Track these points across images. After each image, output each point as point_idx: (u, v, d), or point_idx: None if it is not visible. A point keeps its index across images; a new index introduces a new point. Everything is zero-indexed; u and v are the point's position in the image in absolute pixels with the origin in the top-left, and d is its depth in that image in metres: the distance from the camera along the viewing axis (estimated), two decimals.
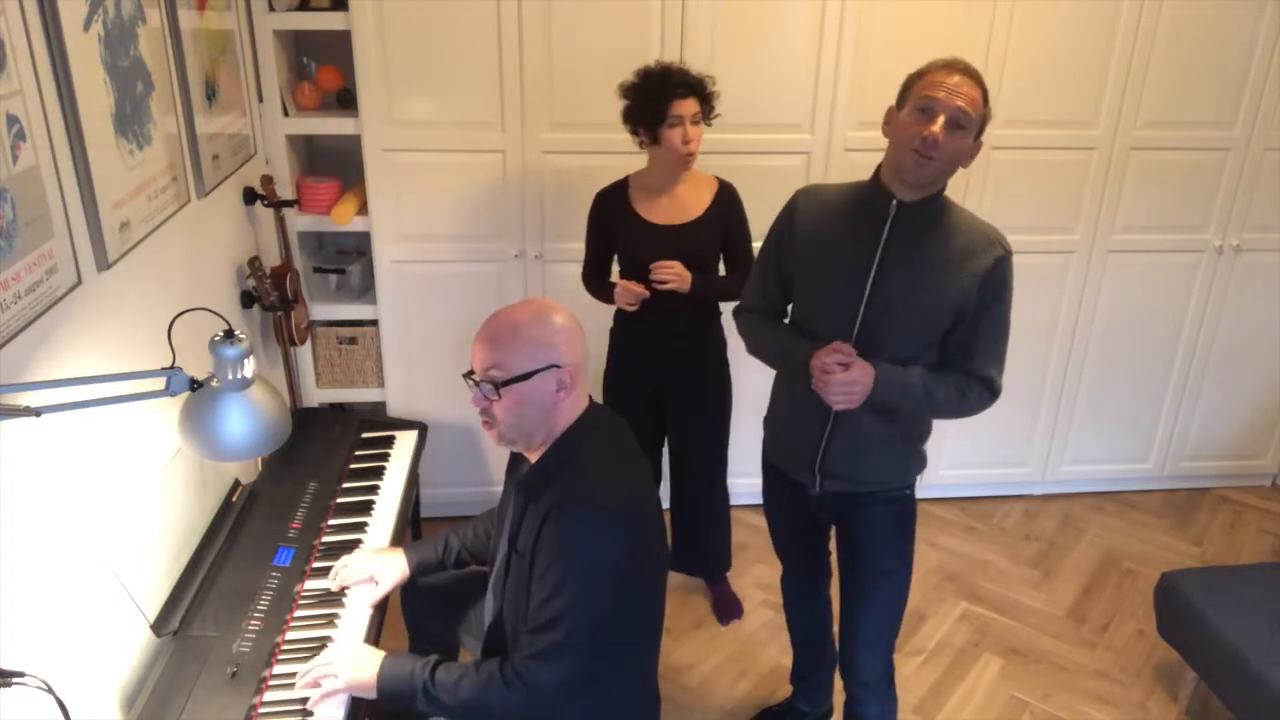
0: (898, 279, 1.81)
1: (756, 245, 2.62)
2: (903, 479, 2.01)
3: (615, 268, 2.68)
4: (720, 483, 2.89)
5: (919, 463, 2.04)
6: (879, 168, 1.85)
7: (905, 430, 1.96)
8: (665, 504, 3.00)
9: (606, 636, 1.62)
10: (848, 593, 2.12)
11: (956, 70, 1.73)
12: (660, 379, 2.71)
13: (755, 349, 2.05)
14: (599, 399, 2.76)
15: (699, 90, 2.42)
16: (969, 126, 1.73)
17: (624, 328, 2.70)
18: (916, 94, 1.75)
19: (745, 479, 3.20)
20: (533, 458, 1.70)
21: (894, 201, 1.80)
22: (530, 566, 1.63)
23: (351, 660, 1.70)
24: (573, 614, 1.56)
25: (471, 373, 1.65)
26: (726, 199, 2.58)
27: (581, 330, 1.67)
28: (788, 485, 2.10)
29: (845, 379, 1.77)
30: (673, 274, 2.47)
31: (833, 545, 2.20)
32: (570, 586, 1.56)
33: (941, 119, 1.70)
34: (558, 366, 1.60)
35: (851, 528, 2.06)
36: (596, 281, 2.67)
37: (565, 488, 1.61)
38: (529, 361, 1.59)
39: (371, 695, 1.69)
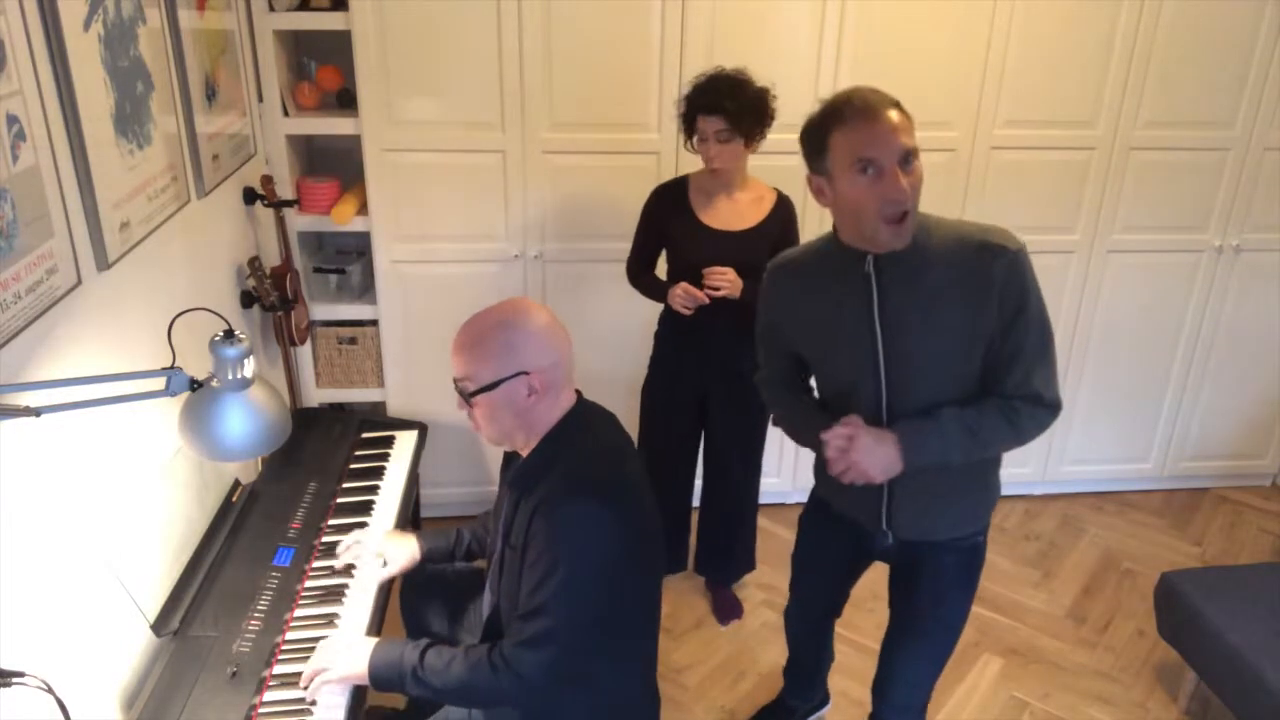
0: (904, 330, 1.66)
1: None
2: (976, 522, 1.87)
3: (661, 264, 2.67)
4: (755, 485, 2.90)
5: (993, 496, 1.90)
6: (835, 229, 1.72)
7: (976, 465, 1.78)
8: (696, 503, 3.00)
9: (597, 629, 1.63)
10: (899, 627, 2.02)
11: (871, 108, 1.54)
12: (705, 381, 2.71)
13: (777, 422, 1.96)
14: (636, 398, 2.78)
15: (725, 109, 2.36)
16: (915, 153, 1.57)
17: (671, 330, 2.70)
18: (843, 154, 1.56)
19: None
20: (524, 454, 1.72)
21: (868, 257, 1.66)
22: (522, 558, 1.65)
23: (342, 652, 1.73)
24: (561, 602, 1.58)
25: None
26: (783, 212, 2.56)
27: (563, 330, 1.67)
28: (845, 529, 1.95)
29: (847, 464, 1.68)
30: (726, 281, 2.45)
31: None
32: (559, 575, 1.57)
33: (894, 169, 1.53)
34: (525, 373, 1.61)
35: (916, 575, 1.92)
36: (644, 278, 2.66)
37: (555, 482, 1.63)
38: (495, 372, 1.61)
39: (365, 683, 1.71)
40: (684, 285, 2.49)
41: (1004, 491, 3.56)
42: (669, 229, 2.58)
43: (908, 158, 1.55)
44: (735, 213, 2.54)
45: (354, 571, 2.02)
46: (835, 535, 2.01)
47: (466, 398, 1.64)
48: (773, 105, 2.44)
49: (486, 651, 1.65)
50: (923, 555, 1.88)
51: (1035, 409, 1.69)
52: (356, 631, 1.87)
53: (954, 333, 1.65)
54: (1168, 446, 3.61)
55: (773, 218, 2.55)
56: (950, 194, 3.09)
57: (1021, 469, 3.57)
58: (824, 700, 2.56)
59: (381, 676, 1.69)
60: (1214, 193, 3.23)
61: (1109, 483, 3.68)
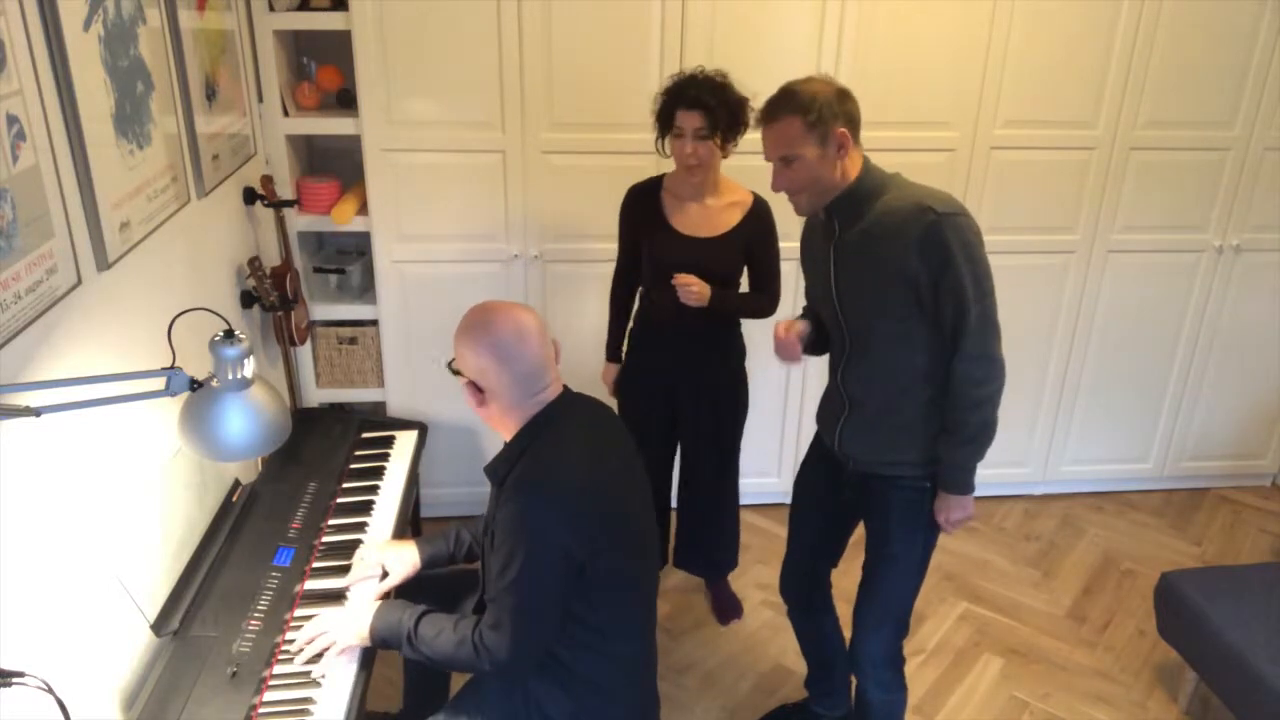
0: (848, 264, 1.95)
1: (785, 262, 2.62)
2: (920, 466, 1.99)
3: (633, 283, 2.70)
4: (731, 485, 2.88)
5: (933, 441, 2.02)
6: None
7: (913, 405, 1.96)
8: (674, 503, 3.00)
9: (558, 614, 1.66)
10: (862, 576, 2.17)
11: (760, 125, 1.91)
12: (675, 381, 2.70)
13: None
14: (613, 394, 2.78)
15: (706, 104, 2.34)
16: (792, 156, 1.86)
17: (642, 329, 2.71)
18: None
19: (750, 479, 3.20)
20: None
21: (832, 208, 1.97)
22: (492, 544, 1.70)
23: (345, 622, 1.79)
24: (516, 587, 1.62)
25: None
26: (756, 217, 2.53)
27: (536, 337, 1.68)
28: (826, 457, 2.17)
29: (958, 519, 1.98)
30: (693, 293, 2.44)
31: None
32: (517, 562, 1.61)
33: (773, 169, 1.91)
34: (474, 383, 1.69)
35: (870, 512, 2.12)
36: (618, 299, 2.72)
37: (521, 471, 1.67)
38: (462, 366, 1.70)
39: (367, 644, 1.79)
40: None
41: (1004, 491, 3.63)
42: (641, 230, 2.57)
43: (786, 159, 1.88)
44: (706, 219, 2.52)
45: (349, 589, 2.00)
46: (819, 459, 2.24)
47: (459, 374, 1.72)
48: (749, 114, 2.39)
49: (471, 630, 1.70)
50: (874, 490, 2.06)
51: (971, 371, 1.86)
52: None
53: (884, 272, 1.88)
54: (1167, 446, 3.61)
55: (745, 224, 2.52)
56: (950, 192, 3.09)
57: (1021, 469, 3.57)
58: (845, 717, 2.50)
59: (382, 639, 1.77)
60: (1214, 193, 3.23)
61: (1109, 483, 3.68)
